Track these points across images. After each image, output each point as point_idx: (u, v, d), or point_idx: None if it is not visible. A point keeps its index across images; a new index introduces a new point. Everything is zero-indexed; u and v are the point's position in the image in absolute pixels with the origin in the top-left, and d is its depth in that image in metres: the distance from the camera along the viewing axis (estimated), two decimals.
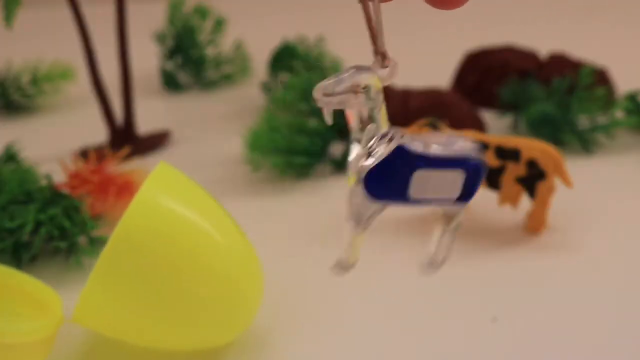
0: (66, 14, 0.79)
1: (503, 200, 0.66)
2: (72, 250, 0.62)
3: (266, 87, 0.96)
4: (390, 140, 0.40)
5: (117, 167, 0.70)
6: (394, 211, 0.73)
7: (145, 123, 0.87)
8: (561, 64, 0.91)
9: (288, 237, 0.67)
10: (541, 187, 0.64)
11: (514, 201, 0.66)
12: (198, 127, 0.92)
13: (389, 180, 0.41)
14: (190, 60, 1.04)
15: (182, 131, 0.90)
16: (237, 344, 0.52)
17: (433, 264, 0.45)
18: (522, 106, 0.86)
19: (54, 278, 0.59)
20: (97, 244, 0.62)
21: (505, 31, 1.18)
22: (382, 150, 0.40)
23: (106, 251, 0.46)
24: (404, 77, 0.95)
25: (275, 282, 0.54)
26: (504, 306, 0.57)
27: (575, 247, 0.65)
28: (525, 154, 0.64)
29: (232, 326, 0.50)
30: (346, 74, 0.39)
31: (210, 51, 1.05)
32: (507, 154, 0.64)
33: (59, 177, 0.69)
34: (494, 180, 0.66)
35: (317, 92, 0.39)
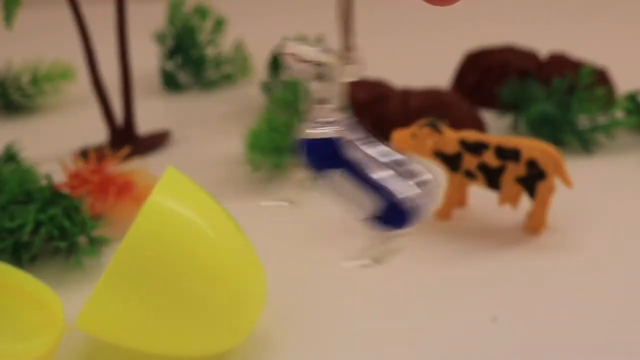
0: (66, 14, 0.79)
1: (503, 200, 0.66)
2: (72, 250, 0.62)
3: (266, 87, 0.96)
4: (341, 125, 0.43)
5: (117, 167, 0.70)
6: None
7: (145, 123, 0.87)
8: (561, 64, 0.91)
9: (288, 238, 0.67)
10: (541, 187, 0.64)
11: (514, 201, 0.66)
12: (198, 127, 0.92)
13: (319, 156, 0.43)
14: (190, 60, 1.04)
15: (182, 131, 0.90)
16: (241, 349, 0.52)
17: (354, 260, 0.45)
18: (522, 106, 0.86)
19: (54, 278, 0.59)
20: (97, 244, 0.62)
21: (505, 31, 1.18)
22: (324, 130, 0.42)
23: (116, 258, 0.45)
24: (404, 77, 0.95)
25: (277, 284, 0.54)
26: (504, 306, 0.57)
27: (575, 247, 0.65)
28: (525, 154, 0.64)
29: (237, 331, 0.50)
30: (315, 48, 0.40)
31: (210, 51, 1.05)
32: (507, 154, 0.64)
33: (59, 177, 0.69)
34: (494, 180, 0.66)
35: (286, 49, 0.40)
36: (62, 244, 0.61)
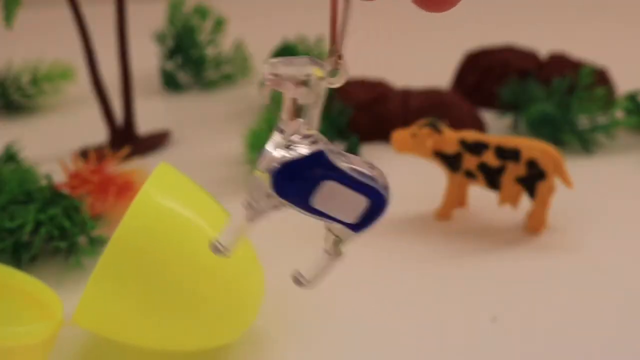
0: (66, 14, 0.79)
1: (503, 200, 0.66)
2: (72, 250, 0.62)
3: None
4: (314, 142, 0.40)
5: (117, 167, 0.70)
6: (395, 212, 0.73)
7: (145, 123, 0.87)
8: (561, 64, 0.91)
9: (288, 237, 0.67)
10: (541, 187, 0.64)
11: (514, 201, 0.66)
12: (198, 127, 0.92)
13: (296, 180, 0.40)
14: (190, 60, 1.04)
15: (182, 131, 0.90)
16: (238, 345, 0.52)
17: (299, 279, 0.44)
18: (522, 106, 0.86)
19: (54, 278, 0.59)
20: (97, 244, 0.62)
21: (505, 31, 1.18)
22: (303, 149, 0.39)
23: (106, 252, 0.45)
24: (404, 77, 0.95)
25: (275, 282, 0.54)
26: (504, 306, 0.57)
27: (575, 247, 0.65)
28: (525, 154, 0.64)
29: (233, 327, 0.50)
30: (298, 60, 0.38)
31: (210, 51, 1.05)
32: (507, 154, 0.64)
33: (59, 177, 0.69)
34: (494, 180, 0.66)
35: (267, 68, 0.38)
36: (62, 244, 0.61)
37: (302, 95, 0.39)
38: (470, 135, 0.66)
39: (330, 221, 0.42)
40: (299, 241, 0.66)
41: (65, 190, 0.65)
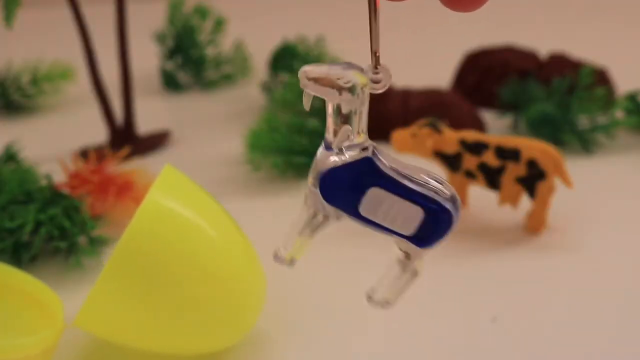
0: (66, 14, 0.79)
1: (503, 200, 0.66)
2: (72, 250, 0.62)
3: (266, 87, 0.96)
4: (363, 149, 0.39)
5: (117, 167, 0.70)
6: None
7: (145, 123, 0.87)
8: (561, 64, 0.91)
9: None
10: (541, 187, 0.64)
11: (514, 201, 0.66)
12: (198, 127, 0.92)
13: (344, 187, 0.39)
14: (190, 60, 1.04)
15: (182, 131, 0.90)
16: (239, 346, 0.52)
17: (371, 299, 0.43)
18: (522, 106, 0.86)
19: (53, 278, 0.59)
20: (97, 244, 0.62)
21: (505, 31, 1.18)
22: (350, 155, 0.39)
23: (113, 256, 0.45)
24: (404, 77, 0.95)
25: (277, 283, 0.54)
26: (504, 306, 0.57)
27: (575, 247, 0.65)
28: (525, 154, 0.64)
29: (235, 329, 0.50)
30: (338, 66, 0.38)
31: (210, 51, 1.05)
32: (507, 154, 0.64)
33: (59, 177, 0.69)
34: (494, 180, 0.66)
35: (303, 74, 0.38)
36: (62, 244, 0.61)
37: (346, 102, 0.38)
38: (470, 135, 0.66)
39: (388, 233, 0.40)
40: None
41: (65, 190, 0.65)
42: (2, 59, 1.01)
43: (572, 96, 0.82)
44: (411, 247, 0.41)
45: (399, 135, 0.67)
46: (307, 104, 0.39)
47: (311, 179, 0.40)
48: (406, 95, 0.85)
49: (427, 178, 0.39)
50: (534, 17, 1.40)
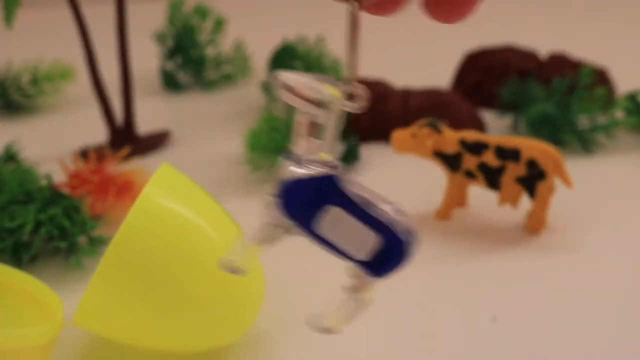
0: (66, 14, 0.79)
1: (503, 200, 0.66)
2: (72, 250, 0.62)
3: (266, 87, 0.96)
4: (330, 167, 0.38)
5: (117, 167, 0.70)
6: None
7: (145, 123, 0.87)
8: (561, 64, 0.91)
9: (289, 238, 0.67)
10: (541, 187, 0.64)
11: (514, 201, 0.66)
12: (198, 127, 0.92)
13: (304, 200, 0.38)
14: (190, 60, 1.04)
15: (182, 131, 0.90)
16: (238, 345, 0.52)
17: (314, 324, 0.41)
18: (522, 106, 0.86)
19: (53, 278, 0.59)
20: (97, 244, 0.62)
21: (505, 31, 1.18)
22: (316, 169, 0.38)
23: (108, 253, 0.45)
24: (404, 77, 0.95)
25: (276, 282, 0.54)
26: (504, 306, 0.57)
27: (575, 247, 0.65)
28: (525, 154, 0.64)
29: (234, 328, 0.50)
30: (315, 79, 0.37)
31: (210, 51, 1.05)
32: (507, 154, 0.64)
33: (59, 177, 0.69)
34: (494, 180, 0.66)
35: (279, 81, 0.37)
36: (62, 244, 0.61)
37: (319, 116, 0.37)
38: (470, 135, 0.66)
39: (341, 256, 0.40)
40: (300, 242, 0.66)
41: (65, 190, 0.65)
42: (2, 59, 1.01)
43: (572, 96, 0.82)
44: (362, 275, 0.40)
45: (399, 135, 0.67)
46: (283, 111, 0.38)
47: (271, 189, 0.39)
48: (406, 95, 0.85)
49: (389, 207, 0.39)
50: (534, 17, 1.40)
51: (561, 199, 0.66)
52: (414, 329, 0.55)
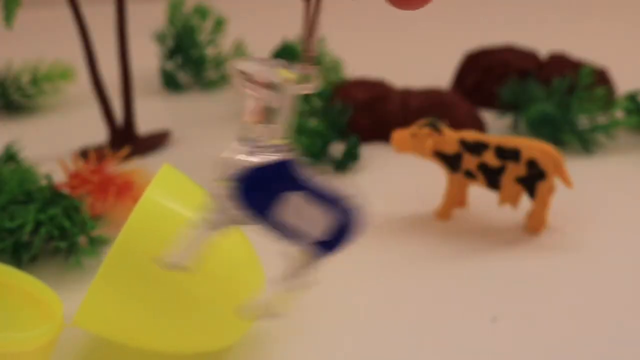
0: (66, 14, 0.79)
1: (503, 200, 0.66)
2: (72, 250, 0.62)
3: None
4: (281, 151, 0.38)
5: (117, 167, 0.70)
6: (395, 212, 0.73)
7: (145, 123, 0.87)
8: (561, 64, 0.91)
9: None
10: (541, 187, 0.64)
11: (514, 201, 0.66)
12: (198, 127, 0.92)
13: (259, 189, 0.38)
14: (190, 60, 1.04)
15: (182, 131, 0.90)
16: (238, 345, 0.52)
17: (257, 311, 0.42)
18: (522, 106, 0.86)
19: (53, 278, 0.59)
20: (97, 244, 0.62)
21: (505, 31, 1.18)
22: (268, 156, 0.38)
23: (110, 254, 0.45)
24: (404, 77, 0.95)
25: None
26: (504, 306, 0.57)
27: (575, 247, 0.65)
28: (525, 154, 0.64)
29: (234, 328, 0.50)
30: (266, 62, 0.37)
31: (210, 51, 1.05)
32: (507, 154, 0.64)
33: (59, 177, 0.69)
34: (494, 180, 0.66)
35: (236, 68, 0.37)
36: (62, 244, 0.61)
37: (270, 99, 0.37)
38: (470, 135, 0.66)
39: (292, 239, 0.40)
40: None
41: (65, 190, 0.65)
42: (2, 59, 1.01)
43: (572, 96, 0.82)
44: (309, 254, 0.40)
45: (399, 135, 0.67)
46: (238, 93, 0.38)
47: (221, 178, 0.38)
48: (406, 95, 0.85)
49: (331, 186, 0.39)
50: (534, 17, 1.40)
51: (561, 199, 0.66)
52: (414, 328, 0.55)
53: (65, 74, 0.98)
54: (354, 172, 0.78)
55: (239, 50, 1.06)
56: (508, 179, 0.65)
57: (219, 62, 1.05)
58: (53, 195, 0.63)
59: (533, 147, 0.64)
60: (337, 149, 0.80)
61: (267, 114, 0.38)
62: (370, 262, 0.62)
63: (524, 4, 1.47)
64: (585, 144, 0.82)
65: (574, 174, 0.65)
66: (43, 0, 1.30)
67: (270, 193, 0.39)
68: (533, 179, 0.64)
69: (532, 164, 0.64)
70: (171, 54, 1.03)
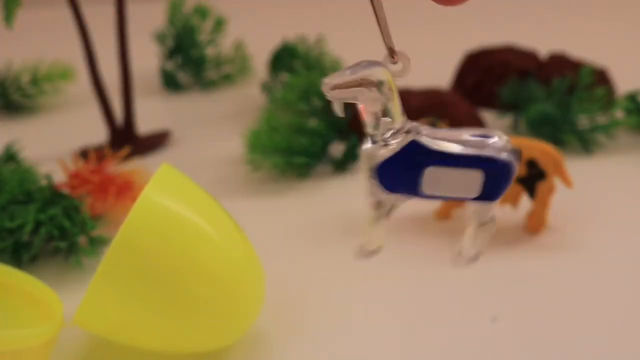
0: (66, 14, 0.79)
1: (503, 200, 0.66)
2: (72, 250, 0.62)
3: (266, 87, 0.96)
4: (407, 133, 0.40)
5: (117, 167, 0.70)
6: (395, 211, 0.72)
7: (145, 123, 0.87)
8: (561, 64, 0.91)
9: (288, 237, 0.67)
10: (541, 187, 0.64)
11: (514, 201, 0.66)
12: (198, 127, 0.92)
13: (400, 174, 0.41)
14: (190, 60, 1.04)
15: (182, 131, 0.90)
16: (238, 345, 0.52)
17: (461, 258, 0.44)
18: (522, 106, 0.86)
19: (54, 278, 0.59)
20: (97, 244, 0.62)
21: (505, 31, 1.18)
22: (395, 144, 0.40)
23: (109, 254, 0.45)
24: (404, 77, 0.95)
25: (276, 283, 0.54)
26: (504, 306, 0.57)
27: (575, 246, 0.65)
28: (525, 154, 0.64)
29: (234, 328, 0.50)
30: (358, 67, 0.39)
31: (210, 51, 1.05)
32: None
33: (59, 177, 0.69)
34: None
35: (327, 85, 0.39)
36: (62, 244, 0.61)
37: (377, 97, 0.40)
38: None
39: (456, 199, 0.42)
40: (300, 242, 0.66)
41: (65, 190, 0.65)
42: (2, 59, 1.01)
43: (572, 96, 0.82)
44: (480, 205, 0.42)
45: None
46: (340, 111, 0.41)
47: (366, 172, 0.41)
48: (406, 95, 0.85)
49: (476, 137, 0.40)
50: (534, 17, 1.41)
51: (561, 199, 0.66)
52: (413, 328, 0.55)
53: (65, 74, 0.98)
54: (354, 172, 0.78)
55: (239, 50, 1.06)
56: None
57: (219, 62, 1.05)
58: (53, 195, 0.63)
59: (533, 147, 0.64)
60: (337, 149, 0.80)
61: (380, 111, 0.41)
62: (370, 261, 0.62)
63: (524, 4, 1.47)
64: (585, 144, 0.82)
65: (574, 174, 0.65)
66: (43, 0, 1.30)
67: (407, 175, 0.41)
68: (533, 179, 0.64)
69: (532, 164, 0.64)
70: (171, 54, 1.03)
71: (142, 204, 0.47)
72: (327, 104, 0.83)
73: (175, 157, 0.84)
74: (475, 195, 0.41)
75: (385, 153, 0.40)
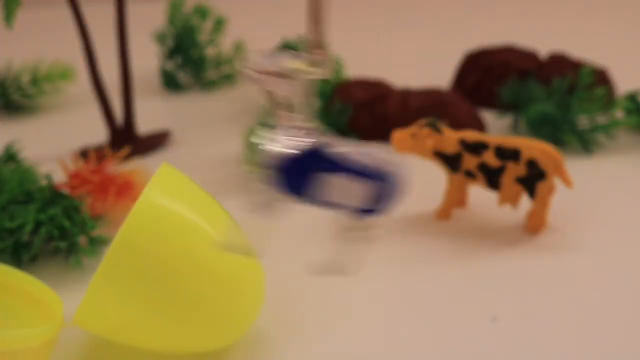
0: (66, 14, 0.79)
1: (503, 200, 0.66)
2: (72, 250, 0.62)
3: None
4: (308, 135, 0.40)
5: (117, 167, 0.70)
6: (395, 211, 0.73)
7: (145, 123, 0.87)
8: (561, 64, 0.91)
9: (288, 237, 0.67)
10: (541, 187, 0.64)
11: (514, 201, 0.66)
12: (198, 127, 0.92)
13: (293, 174, 0.41)
14: (190, 60, 1.04)
15: (182, 131, 0.90)
16: (239, 345, 0.52)
17: (323, 270, 0.44)
18: (522, 106, 0.86)
19: (54, 278, 0.59)
20: (97, 244, 0.62)
21: (505, 31, 1.18)
22: (297, 143, 0.40)
23: (109, 254, 0.45)
24: (404, 77, 0.95)
25: (276, 283, 0.54)
26: (504, 306, 0.57)
27: (575, 246, 0.65)
28: (525, 154, 0.64)
29: (234, 328, 0.50)
30: (278, 55, 0.39)
31: (210, 51, 1.05)
32: (507, 154, 0.64)
33: (59, 177, 0.69)
34: (494, 180, 0.66)
35: (248, 66, 0.39)
36: (62, 244, 0.61)
37: (288, 89, 0.39)
38: (470, 135, 0.66)
39: (337, 209, 0.42)
40: (300, 242, 0.66)
41: (65, 190, 0.65)
42: (2, 59, 1.01)
43: (572, 96, 0.82)
44: (359, 218, 0.43)
45: (399, 135, 0.67)
46: (265, 98, 0.40)
47: (256, 168, 0.41)
48: (406, 95, 0.85)
49: (370, 154, 0.41)
50: (534, 17, 1.41)
51: (561, 199, 0.66)
52: (413, 328, 0.55)
53: (65, 74, 0.98)
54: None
55: (239, 50, 1.06)
56: (508, 179, 0.65)
57: (219, 62, 1.05)
58: (53, 195, 0.63)
59: (533, 147, 0.64)
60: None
61: (288, 104, 0.40)
62: (369, 262, 0.62)
63: (524, 4, 1.47)
64: (585, 144, 0.82)
65: (574, 174, 0.65)
66: (43, 0, 1.30)
67: (301, 176, 0.41)
68: (533, 179, 0.64)
69: (532, 164, 0.64)
70: (171, 54, 1.03)
71: (142, 204, 0.47)
72: (327, 104, 0.83)
73: (175, 157, 0.84)
74: (360, 205, 0.42)
75: (286, 151, 0.40)
